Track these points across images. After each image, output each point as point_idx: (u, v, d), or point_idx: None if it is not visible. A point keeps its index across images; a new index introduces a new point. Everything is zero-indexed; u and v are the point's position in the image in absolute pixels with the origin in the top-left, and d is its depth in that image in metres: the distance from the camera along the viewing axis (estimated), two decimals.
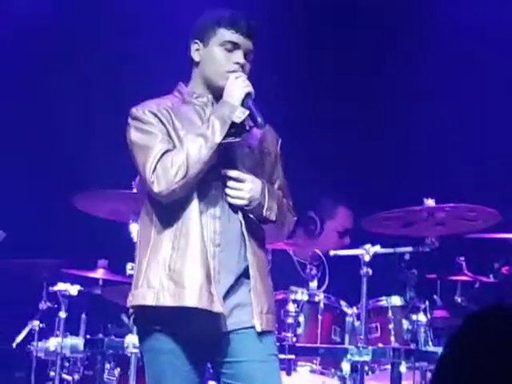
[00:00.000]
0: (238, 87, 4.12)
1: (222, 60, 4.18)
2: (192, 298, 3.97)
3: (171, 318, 4.00)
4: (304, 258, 5.99)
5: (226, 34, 4.18)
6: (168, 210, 4.14)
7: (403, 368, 5.09)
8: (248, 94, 4.07)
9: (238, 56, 4.17)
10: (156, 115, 4.16)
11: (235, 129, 4.02)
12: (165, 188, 4.03)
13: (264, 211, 4.15)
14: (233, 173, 4.15)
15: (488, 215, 5.23)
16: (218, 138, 4.01)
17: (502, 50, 7.09)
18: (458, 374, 1.90)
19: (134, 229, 4.79)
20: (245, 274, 4.09)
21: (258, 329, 4.03)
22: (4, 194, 6.40)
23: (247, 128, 4.12)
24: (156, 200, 4.14)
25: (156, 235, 4.13)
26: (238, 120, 4.00)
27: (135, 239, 4.85)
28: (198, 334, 4.04)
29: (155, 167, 4.09)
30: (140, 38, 6.68)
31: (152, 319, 4.05)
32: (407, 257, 5.38)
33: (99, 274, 5.63)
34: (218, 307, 3.97)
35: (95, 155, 5.33)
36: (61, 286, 5.50)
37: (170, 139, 4.16)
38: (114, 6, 7.03)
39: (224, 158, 4.17)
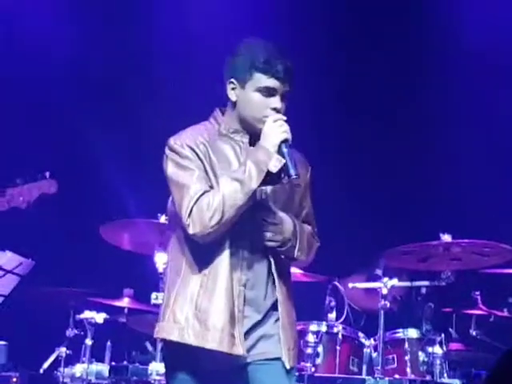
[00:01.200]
0: (275, 132, 4.03)
1: (259, 105, 4.08)
2: (214, 341, 3.95)
3: (195, 353, 3.98)
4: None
5: (262, 80, 4.07)
6: (200, 246, 4.08)
7: None
8: (285, 141, 3.97)
9: (276, 101, 4.07)
10: (193, 150, 4.07)
11: (270, 176, 3.95)
12: (199, 231, 3.98)
13: (296, 252, 4.09)
14: (268, 216, 4.09)
15: (502, 251, 5.23)
16: (255, 185, 3.97)
17: None
18: None
19: (159, 259, 4.79)
20: (272, 307, 4.03)
21: (287, 366, 3.97)
22: (33, 223, 6.32)
23: (282, 177, 3.98)
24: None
25: (186, 269, 4.11)
26: (274, 169, 3.92)
27: (160, 269, 4.77)
28: (222, 368, 4.02)
29: (191, 210, 4.02)
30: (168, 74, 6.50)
31: (176, 351, 4.06)
32: (423, 291, 5.48)
33: (125, 302, 5.64)
34: (238, 350, 3.95)
35: (122, 187, 5.34)
36: (87, 314, 5.53)
37: (207, 175, 4.09)
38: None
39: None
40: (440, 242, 5.15)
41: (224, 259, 4.06)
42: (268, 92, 4.04)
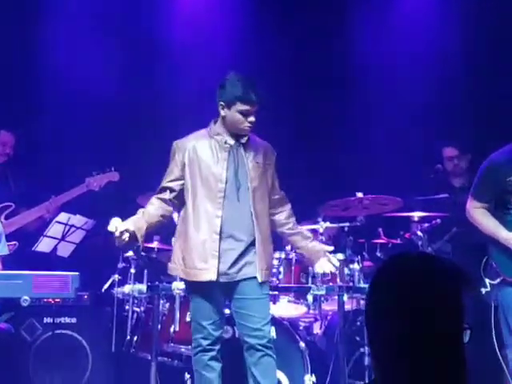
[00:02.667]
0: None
1: (239, 121, 4.38)
2: (201, 275, 4.32)
3: (195, 281, 4.38)
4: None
5: (241, 106, 4.36)
6: (194, 217, 4.37)
7: (345, 297, 5.18)
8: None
9: (250, 119, 4.39)
10: (183, 150, 4.43)
11: None
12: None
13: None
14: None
15: (395, 201, 5.38)
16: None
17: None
18: (376, 300, 1.88)
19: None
20: (252, 244, 4.36)
21: (260, 280, 4.34)
22: (98, 198, 6.18)
23: None
24: (187, 209, 4.42)
25: (183, 228, 4.44)
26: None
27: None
28: (217, 286, 4.36)
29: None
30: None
31: (185, 280, 4.52)
32: (346, 229, 5.55)
33: (155, 244, 5.69)
34: (206, 276, 4.29)
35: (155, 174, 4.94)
36: (131, 253, 5.58)
37: (184, 170, 4.41)
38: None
39: (240, 170, 4.43)
40: (356, 198, 5.28)
41: (210, 220, 4.34)
42: (245, 113, 4.37)
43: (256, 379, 4.35)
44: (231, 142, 4.44)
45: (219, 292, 4.42)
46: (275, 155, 4.61)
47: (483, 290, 4.73)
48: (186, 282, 4.55)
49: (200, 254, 4.35)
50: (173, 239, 4.75)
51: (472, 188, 4.76)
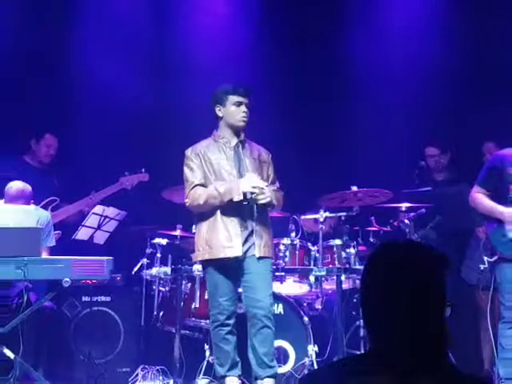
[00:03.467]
0: (247, 186, 4.35)
1: (235, 112, 4.50)
2: (219, 253, 4.38)
3: (214, 261, 4.44)
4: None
5: (234, 98, 4.46)
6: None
7: (343, 277, 5.16)
8: (250, 192, 4.31)
9: (243, 109, 4.49)
10: (198, 155, 4.50)
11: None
12: (189, 205, 4.47)
13: (273, 202, 4.47)
14: (261, 183, 4.40)
15: (385, 194, 5.32)
16: (224, 201, 4.34)
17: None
18: (370, 281, 1.88)
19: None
20: (254, 226, 4.44)
21: (257, 255, 4.39)
22: (130, 194, 6.12)
23: (243, 200, 4.34)
24: None
25: (201, 219, 4.49)
26: (236, 199, 4.33)
27: None
28: (232, 265, 4.42)
29: (189, 192, 4.46)
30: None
31: (205, 262, 4.53)
32: (343, 218, 5.51)
33: (177, 232, 5.66)
34: (236, 252, 4.35)
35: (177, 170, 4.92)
36: (157, 240, 5.61)
37: (203, 169, 4.46)
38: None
39: (242, 164, 4.50)
40: (351, 191, 5.23)
41: (223, 211, 4.40)
42: (238, 104, 4.46)
43: (255, 347, 4.35)
44: (233, 142, 4.53)
45: (234, 271, 4.44)
46: (270, 155, 4.67)
47: (481, 267, 4.75)
48: (206, 263, 4.52)
49: (225, 235, 4.38)
50: (194, 227, 4.74)
51: (478, 176, 4.68)
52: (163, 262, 5.59)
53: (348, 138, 6.63)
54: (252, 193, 4.34)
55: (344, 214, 5.48)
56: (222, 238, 4.38)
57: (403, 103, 6.48)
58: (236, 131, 4.54)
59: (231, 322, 4.45)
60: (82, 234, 5.91)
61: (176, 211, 5.64)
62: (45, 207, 5.64)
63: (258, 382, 4.39)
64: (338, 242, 5.47)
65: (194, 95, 6.06)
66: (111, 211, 5.90)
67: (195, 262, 5.09)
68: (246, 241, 4.42)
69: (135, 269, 5.73)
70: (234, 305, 4.49)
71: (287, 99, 6.71)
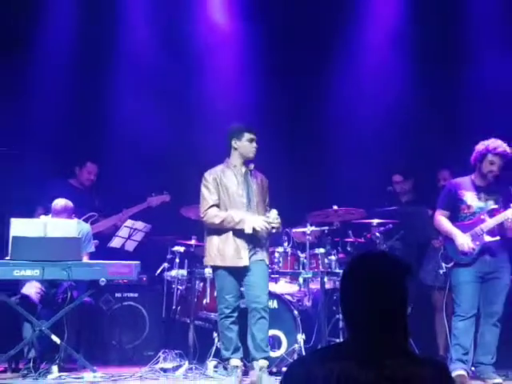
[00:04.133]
0: (258, 223, 4.39)
1: (248, 147, 4.53)
2: (229, 261, 4.40)
3: (224, 267, 4.45)
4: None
5: (248, 135, 4.53)
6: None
7: (326, 279, 5.16)
8: (257, 228, 4.34)
9: (254, 144, 4.53)
10: (215, 179, 4.50)
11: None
12: (204, 220, 4.46)
13: (279, 229, 4.60)
14: (274, 213, 4.44)
15: (360, 212, 5.34)
16: (235, 228, 4.37)
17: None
18: (347, 283, 1.85)
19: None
20: (259, 244, 4.53)
21: (267, 262, 4.47)
22: (153, 211, 6.05)
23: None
24: None
25: (220, 230, 4.46)
26: (246, 231, 4.39)
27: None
28: (237, 268, 4.44)
29: (205, 211, 4.42)
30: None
31: (216, 267, 4.53)
32: (326, 231, 5.44)
33: (192, 242, 5.60)
34: (243, 263, 4.37)
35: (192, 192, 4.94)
36: (176, 248, 5.54)
37: (218, 191, 4.44)
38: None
39: (250, 190, 4.53)
40: (332, 209, 5.20)
41: (234, 229, 4.42)
42: (251, 140, 4.53)
43: (253, 334, 4.38)
44: (243, 170, 4.54)
45: (238, 274, 4.46)
46: (267, 182, 4.70)
47: (440, 271, 4.73)
48: (216, 268, 4.50)
49: (235, 248, 4.40)
50: (207, 237, 4.66)
51: (439, 201, 4.73)
52: (181, 266, 5.55)
53: (331, 165, 6.54)
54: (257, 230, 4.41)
55: (327, 227, 5.43)
56: (232, 249, 4.39)
57: (375, 137, 6.40)
58: (246, 161, 4.56)
59: (235, 314, 4.47)
60: (116, 242, 5.88)
61: (191, 225, 5.61)
62: (85, 221, 5.62)
63: (254, 362, 4.40)
64: (321, 250, 5.41)
65: (206, 131, 6.09)
66: (139, 224, 5.89)
67: (206, 266, 5.03)
68: (252, 248, 4.47)
69: (158, 271, 5.67)
70: (238, 301, 4.50)
71: (281, 137, 6.49)
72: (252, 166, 4.57)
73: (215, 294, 4.81)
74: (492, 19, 6.03)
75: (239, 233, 4.42)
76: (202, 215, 4.49)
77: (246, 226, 4.37)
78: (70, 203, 5.17)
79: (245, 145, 4.51)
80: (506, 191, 4.54)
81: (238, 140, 4.52)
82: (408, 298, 1.80)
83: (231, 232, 4.43)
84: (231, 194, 4.49)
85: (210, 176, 4.52)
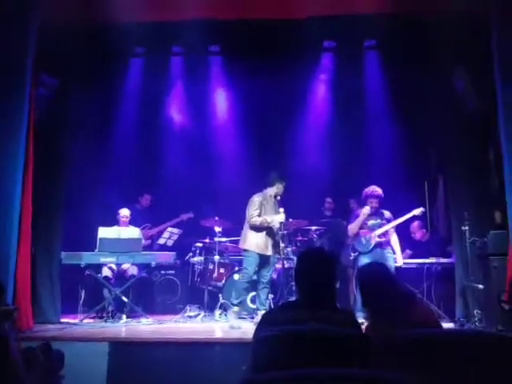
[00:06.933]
0: (281, 219, 4.19)
1: (280, 189, 4.29)
2: (260, 250, 4.17)
3: (255, 252, 4.15)
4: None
5: (282, 183, 4.31)
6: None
7: (285, 262, 4.64)
8: (279, 222, 4.11)
9: (282, 189, 4.30)
10: (260, 201, 4.26)
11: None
12: (250, 224, 4.20)
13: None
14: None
15: (305, 222, 5.06)
16: (268, 225, 4.18)
17: None
18: (299, 264, 1.83)
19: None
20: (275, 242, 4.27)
21: (272, 254, 4.17)
22: (183, 223, 5.56)
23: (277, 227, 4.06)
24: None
25: (257, 229, 4.19)
26: (276, 226, 4.18)
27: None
28: (264, 257, 4.22)
29: (252, 217, 4.18)
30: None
31: (249, 250, 4.22)
32: (285, 233, 4.77)
33: (207, 240, 5.20)
34: (268, 252, 4.23)
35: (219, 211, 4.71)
36: (197, 244, 5.29)
37: (261, 209, 4.20)
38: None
39: (275, 208, 4.25)
40: (288, 220, 4.65)
41: (266, 229, 4.21)
42: (283, 186, 4.32)
43: (259, 295, 4.25)
44: (273, 197, 4.36)
45: (260, 258, 4.26)
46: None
47: (351, 258, 4.55)
48: (250, 251, 4.20)
49: (264, 241, 4.21)
50: (247, 231, 4.29)
51: (350, 220, 4.53)
52: (200, 254, 5.33)
53: (291, 193, 5.82)
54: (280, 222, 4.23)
55: (285, 231, 4.91)
56: (264, 242, 4.18)
57: (318, 177, 5.68)
58: (276, 195, 4.37)
59: (250, 281, 4.25)
60: (161, 241, 5.62)
61: (207, 230, 5.37)
62: (143, 228, 5.46)
63: (258, 311, 4.20)
64: (282, 245, 4.81)
65: (217, 174, 5.77)
66: (176, 230, 5.68)
67: (214, 254, 4.84)
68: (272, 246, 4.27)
69: (186, 257, 5.41)
70: (254, 274, 4.25)
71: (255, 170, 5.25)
72: (278, 197, 4.32)
73: (221, 271, 4.80)
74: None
75: (269, 232, 4.18)
76: (250, 220, 4.19)
77: (275, 224, 4.14)
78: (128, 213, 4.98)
79: (279, 188, 4.31)
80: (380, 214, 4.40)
81: (278, 183, 4.29)
82: (336, 275, 1.88)
83: (265, 230, 4.18)
84: (267, 210, 4.24)
85: (257, 198, 4.20)
